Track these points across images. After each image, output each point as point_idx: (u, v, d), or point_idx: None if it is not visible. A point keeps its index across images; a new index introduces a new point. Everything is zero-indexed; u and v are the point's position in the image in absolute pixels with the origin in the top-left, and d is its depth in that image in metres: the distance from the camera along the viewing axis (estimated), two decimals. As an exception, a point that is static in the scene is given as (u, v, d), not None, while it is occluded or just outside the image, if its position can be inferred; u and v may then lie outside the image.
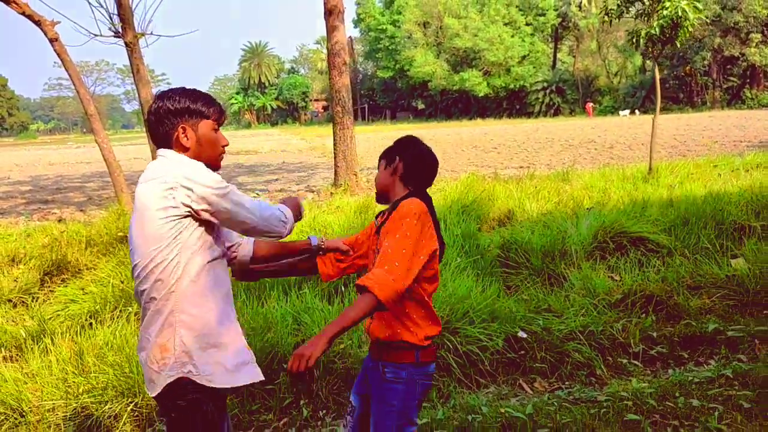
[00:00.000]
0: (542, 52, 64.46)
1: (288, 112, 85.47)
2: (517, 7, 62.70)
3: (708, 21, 45.18)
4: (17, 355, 4.38)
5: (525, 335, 4.34)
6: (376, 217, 2.45)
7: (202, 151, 2.13)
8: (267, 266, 2.56)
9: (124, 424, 3.50)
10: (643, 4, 10.73)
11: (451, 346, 4.10)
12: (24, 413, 3.55)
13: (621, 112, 51.75)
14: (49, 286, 6.13)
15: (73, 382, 3.71)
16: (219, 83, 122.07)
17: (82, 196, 15.06)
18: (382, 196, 2.42)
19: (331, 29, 12.58)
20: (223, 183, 2.03)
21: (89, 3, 9.79)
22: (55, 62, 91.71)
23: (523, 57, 61.76)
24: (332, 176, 13.56)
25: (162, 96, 2.12)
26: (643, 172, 10.96)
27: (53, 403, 3.58)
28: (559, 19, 64.21)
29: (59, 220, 10.30)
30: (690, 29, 10.22)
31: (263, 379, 2.22)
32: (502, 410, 3.60)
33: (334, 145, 13.05)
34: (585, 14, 58.22)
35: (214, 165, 2.17)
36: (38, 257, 6.58)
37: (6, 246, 7.09)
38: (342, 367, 3.94)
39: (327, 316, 4.46)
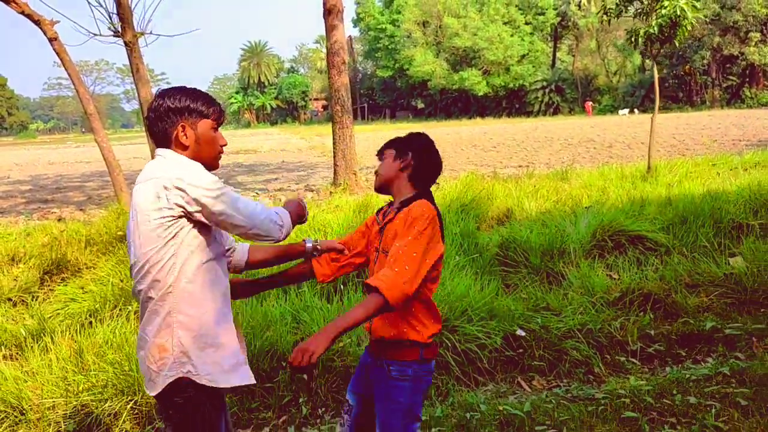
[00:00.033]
0: (541, 51, 64.45)
1: (287, 112, 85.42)
2: (516, 6, 62.68)
3: (707, 20, 45.20)
4: (17, 353, 4.39)
5: (523, 333, 4.36)
6: (377, 213, 2.43)
7: (200, 150, 2.13)
8: (261, 282, 2.53)
9: (124, 422, 3.52)
10: (642, 3, 10.75)
11: (449, 344, 4.11)
12: (24, 411, 3.56)
13: (620, 111, 51.78)
14: (48, 285, 6.14)
15: (73, 380, 3.72)
16: (218, 83, 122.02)
17: (82, 196, 15.07)
18: (383, 187, 2.39)
19: (330, 28, 12.59)
20: (217, 185, 2.02)
21: (89, 2, 9.81)
22: (54, 62, 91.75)
23: (523, 56, 61.75)
24: (331, 175, 13.57)
25: (163, 94, 2.13)
26: (642, 171, 10.98)
27: (53, 401, 3.59)
28: (559, 18, 64.19)
29: (59, 220, 10.31)
30: (688, 28, 10.24)
31: (254, 382, 2.21)
32: (501, 408, 3.62)
33: (334, 144, 13.06)
34: (584, 13, 58.19)
35: (212, 164, 2.18)
36: (38, 256, 6.59)
37: (6, 245, 7.10)
38: (341, 365, 3.95)
39: (326, 315, 4.47)
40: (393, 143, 2.40)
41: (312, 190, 13.34)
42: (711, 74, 51.51)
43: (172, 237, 2.01)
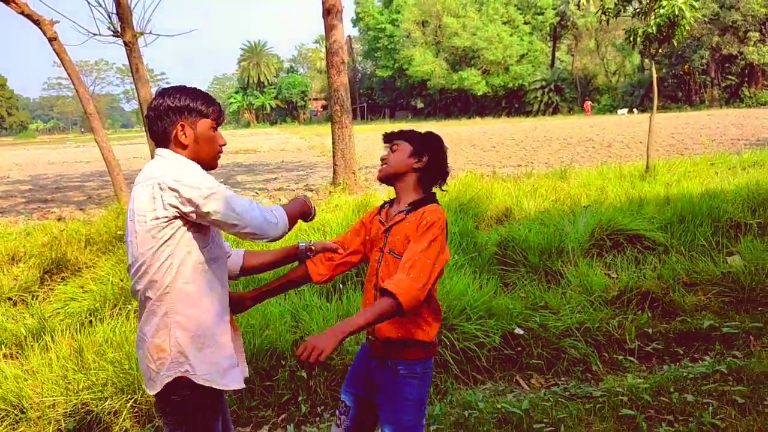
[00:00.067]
0: (541, 50, 64.48)
1: (287, 111, 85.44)
2: (515, 5, 62.70)
3: (706, 20, 45.21)
4: (17, 352, 4.40)
5: (522, 332, 4.37)
6: (379, 212, 2.40)
7: (199, 149, 2.14)
8: (259, 292, 2.49)
9: (124, 420, 3.53)
10: (641, 2, 10.77)
11: (448, 343, 4.13)
12: (24, 410, 3.57)
13: (619, 111, 51.79)
14: (48, 285, 6.16)
15: (73, 378, 3.73)
16: (218, 82, 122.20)
17: (82, 195, 15.08)
18: (389, 179, 2.34)
19: (329, 28, 12.60)
20: (210, 184, 2.01)
21: (88, 2, 9.83)
22: (54, 62, 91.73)
23: (522, 56, 61.77)
24: (331, 175, 13.59)
25: (162, 93, 2.14)
26: (641, 170, 11.00)
27: (53, 400, 3.61)
28: (558, 18, 64.21)
29: (59, 219, 10.33)
30: (687, 28, 10.27)
31: (244, 386, 2.22)
32: (499, 406, 3.63)
33: (333, 144, 13.07)
34: (583, 13, 58.19)
35: (211, 164, 2.19)
36: (38, 256, 6.61)
37: (6, 244, 7.12)
38: (340, 364, 3.97)
39: (325, 314, 4.49)
40: (409, 137, 2.35)
41: (311, 190, 13.35)
42: (710, 74, 51.53)
43: (169, 238, 2.01)
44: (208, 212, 1.99)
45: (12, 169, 25.57)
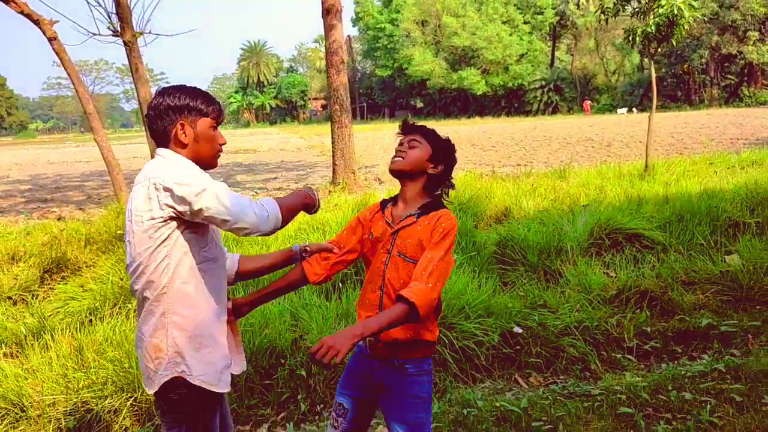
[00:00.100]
0: (540, 50, 64.50)
1: (287, 111, 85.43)
2: (515, 5, 62.72)
3: (705, 19, 45.23)
4: (18, 351, 4.41)
5: (520, 330, 4.38)
6: (383, 211, 2.35)
7: (199, 148, 2.15)
8: (256, 297, 2.46)
9: (124, 418, 3.54)
10: (639, 2, 10.78)
11: (447, 342, 4.14)
12: (25, 408, 3.58)
13: (619, 111, 51.80)
14: (48, 284, 6.17)
15: (73, 377, 3.74)
16: (218, 82, 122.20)
17: (82, 195, 15.09)
18: (401, 174, 2.29)
19: (329, 28, 12.60)
20: (202, 181, 2.00)
21: (88, 2, 9.83)
22: (54, 61, 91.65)
23: (522, 55, 61.78)
24: (330, 174, 13.59)
25: (162, 92, 2.14)
26: (640, 169, 11.01)
27: (53, 398, 3.62)
28: (557, 18, 64.22)
29: (59, 219, 10.34)
30: (686, 27, 10.28)
31: (230, 389, 2.21)
32: (498, 404, 3.65)
33: (333, 143, 13.08)
34: (583, 12, 58.18)
35: (210, 163, 2.20)
36: (38, 255, 6.62)
37: (6, 244, 7.13)
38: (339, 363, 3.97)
39: (325, 313, 4.50)
40: (431, 139, 2.32)
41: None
42: (709, 73, 51.55)
43: (165, 238, 2.02)
44: (201, 209, 1.97)
45: (12, 169, 25.57)
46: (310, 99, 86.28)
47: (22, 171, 24.26)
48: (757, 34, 47.57)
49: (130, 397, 3.58)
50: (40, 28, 9.52)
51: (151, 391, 2.11)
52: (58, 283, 6.05)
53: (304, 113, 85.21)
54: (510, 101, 64.91)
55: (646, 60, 54.88)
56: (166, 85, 2.21)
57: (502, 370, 4.21)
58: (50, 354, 4.00)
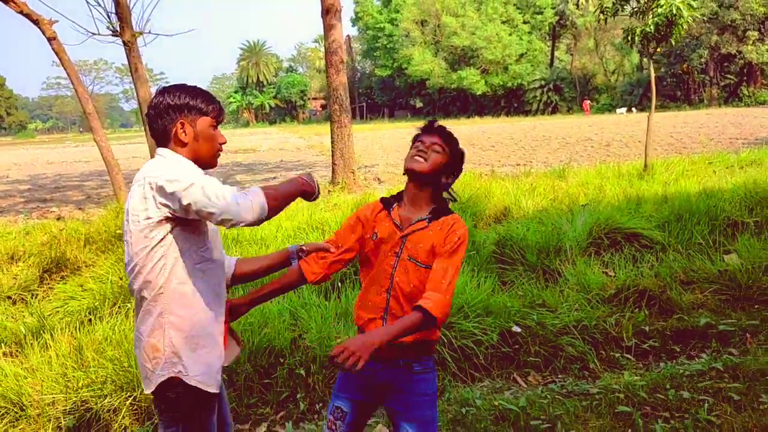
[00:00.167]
0: (540, 50, 64.48)
1: (286, 111, 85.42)
2: (514, 5, 62.69)
3: (705, 19, 45.22)
4: (17, 350, 4.42)
5: (519, 330, 4.39)
6: (387, 209, 2.31)
7: (199, 147, 2.15)
8: (254, 298, 2.43)
9: (123, 417, 3.55)
10: (638, 2, 10.80)
11: (446, 341, 4.15)
12: (24, 407, 3.59)
13: (618, 110, 51.79)
14: (48, 284, 6.17)
15: (73, 376, 3.75)
16: (217, 82, 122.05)
17: (81, 195, 15.09)
18: (419, 176, 2.24)
19: (328, 27, 12.61)
20: (192, 177, 1.97)
21: (87, 2, 9.83)
22: (53, 61, 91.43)
23: (521, 55, 61.76)
24: (330, 174, 13.60)
25: (163, 91, 2.15)
26: (639, 169, 11.02)
27: (53, 397, 3.62)
28: (557, 17, 64.20)
29: (58, 218, 10.34)
30: (684, 27, 10.29)
31: (217, 391, 2.19)
32: (496, 403, 3.65)
33: (332, 143, 13.09)
34: (582, 12, 58.24)
35: (210, 162, 2.20)
36: (37, 255, 6.63)
37: (5, 244, 7.13)
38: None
39: (324, 312, 4.51)
40: (451, 147, 2.30)
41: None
42: (709, 73, 51.55)
43: (162, 238, 2.02)
44: (189, 203, 1.93)
45: (11, 169, 25.57)
46: (309, 99, 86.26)
47: (22, 171, 24.25)
48: (756, 33, 47.56)
49: (130, 396, 3.59)
50: (39, 27, 9.53)
51: (148, 391, 2.12)
52: (58, 283, 6.05)
53: (303, 113, 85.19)
54: (509, 101, 64.89)
55: (645, 60, 54.89)
56: (167, 85, 2.21)
57: (500, 369, 4.22)
58: (50, 353, 4.00)
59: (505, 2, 62.20)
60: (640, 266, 5.66)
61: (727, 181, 8.88)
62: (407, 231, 2.23)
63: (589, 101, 58.44)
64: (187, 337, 2.08)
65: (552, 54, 68.75)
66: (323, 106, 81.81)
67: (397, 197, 2.35)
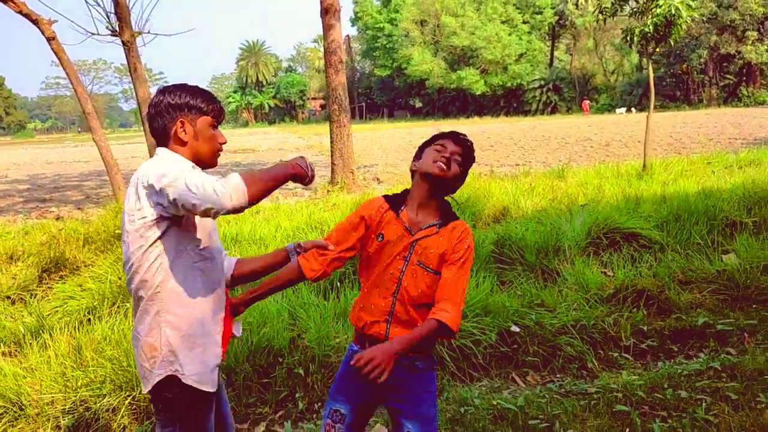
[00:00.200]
0: (539, 50, 64.48)
1: (285, 111, 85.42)
2: (514, 5, 62.68)
3: (704, 19, 45.27)
4: (16, 350, 4.42)
5: (518, 329, 4.40)
6: (395, 210, 2.27)
7: (199, 146, 2.15)
8: (252, 296, 2.42)
9: (122, 417, 3.55)
10: (637, 2, 10.81)
11: (445, 341, 4.16)
12: (23, 407, 3.59)
13: (618, 110, 51.81)
14: (47, 283, 6.18)
15: (72, 376, 3.75)
16: (217, 82, 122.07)
17: (80, 195, 15.09)
18: (439, 182, 2.23)
19: (327, 27, 12.62)
20: (179, 172, 1.93)
21: (86, 2, 9.83)
22: (52, 61, 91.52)
23: (521, 55, 61.75)
24: (329, 174, 13.61)
25: (163, 90, 2.15)
26: (638, 169, 11.04)
27: (52, 397, 3.63)
28: (556, 17, 64.20)
29: (57, 218, 10.34)
30: (683, 27, 10.30)
31: (215, 390, 2.19)
32: (495, 402, 3.66)
33: (331, 143, 13.10)
34: (582, 12, 58.24)
35: (210, 162, 2.20)
36: (36, 254, 6.63)
37: (4, 244, 7.13)
38: (337, 361, 3.99)
39: (323, 312, 4.51)
40: (467, 162, 2.33)
41: (309, 189, 13.37)
42: (708, 73, 51.58)
43: (157, 238, 2.01)
44: (174, 198, 1.89)
45: (10, 169, 25.56)
46: (308, 99, 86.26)
47: (21, 171, 24.24)
48: (755, 34, 47.59)
49: (129, 396, 3.59)
50: (38, 27, 9.53)
51: (146, 390, 2.12)
52: (57, 283, 6.05)
53: (302, 113, 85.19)
54: (509, 101, 64.88)
55: (644, 60, 54.93)
56: (167, 84, 2.22)
57: (499, 368, 4.23)
58: (49, 353, 4.00)
59: (504, 2, 62.19)
60: (638, 266, 5.67)
61: (725, 181, 8.89)
62: (418, 236, 2.22)
63: (588, 101, 58.45)
64: (184, 336, 2.08)
65: (551, 54, 68.75)
66: (322, 106, 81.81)
67: (401, 197, 2.32)
